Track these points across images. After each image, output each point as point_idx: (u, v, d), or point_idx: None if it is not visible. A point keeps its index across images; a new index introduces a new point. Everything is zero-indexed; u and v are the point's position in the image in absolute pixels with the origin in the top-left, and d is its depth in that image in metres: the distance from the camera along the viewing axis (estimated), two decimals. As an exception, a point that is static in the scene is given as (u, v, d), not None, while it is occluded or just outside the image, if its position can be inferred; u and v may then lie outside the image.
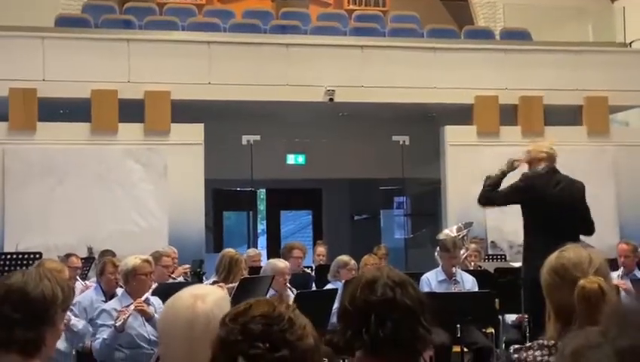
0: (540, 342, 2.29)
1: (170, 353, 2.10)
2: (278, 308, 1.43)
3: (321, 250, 9.78)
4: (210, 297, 2.09)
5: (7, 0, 11.46)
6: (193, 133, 10.72)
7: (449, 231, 8.34)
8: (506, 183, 5.98)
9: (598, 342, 0.92)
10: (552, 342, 2.25)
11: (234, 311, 1.44)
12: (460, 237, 8.10)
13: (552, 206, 5.44)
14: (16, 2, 11.55)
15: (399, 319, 2.27)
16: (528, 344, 2.33)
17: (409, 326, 2.27)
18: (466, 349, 6.57)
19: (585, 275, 2.22)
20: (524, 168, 5.98)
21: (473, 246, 9.25)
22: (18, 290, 2.16)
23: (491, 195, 5.89)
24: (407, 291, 2.32)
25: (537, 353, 2.26)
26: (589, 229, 5.63)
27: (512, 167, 6.00)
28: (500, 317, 6.94)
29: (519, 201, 5.69)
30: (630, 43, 12.47)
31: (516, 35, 12.74)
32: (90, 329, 5.52)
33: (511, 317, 7.23)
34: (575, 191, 5.67)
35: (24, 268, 5.99)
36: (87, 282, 7.57)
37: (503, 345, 6.92)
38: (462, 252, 8.04)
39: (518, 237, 10.86)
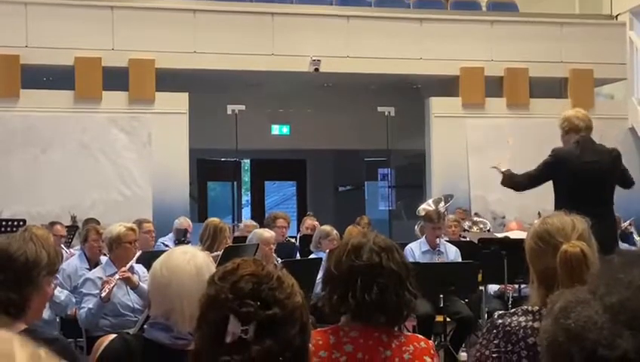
0: (525, 308, 2.32)
1: (179, 304, 2.12)
2: (267, 268, 1.44)
3: (309, 222, 9.72)
4: (198, 252, 2.20)
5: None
6: (178, 102, 10.67)
7: (426, 205, 8.38)
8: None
9: (586, 298, 0.93)
10: (537, 307, 2.27)
11: (222, 270, 1.45)
12: (440, 210, 8.14)
13: (579, 179, 5.39)
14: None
15: (385, 283, 2.28)
16: (513, 310, 2.35)
17: (395, 291, 2.29)
18: (448, 319, 6.62)
19: (567, 240, 2.24)
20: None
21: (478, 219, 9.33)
22: (1, 251, 2.16)
23: (520, 182, 5.76)
24: (393, 256, 2.34)
25: (522, 319, 2.28)
26: (629, 184, 5.72)
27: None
28: (482, 287, 7.00)
29: (550, 177, 5.59)
30: (616, 15, 12.47)
31: (503, 7, 12.71)
32: (73, 299, 5.51)
33: (493, 288, 7.29)
34: (606, 161, 5.58)
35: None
36: (71, 250, 7.57)
37: (486, 315, 6.98)
38: (467, 224, 8.05)
39: (502, 208, 11.04)
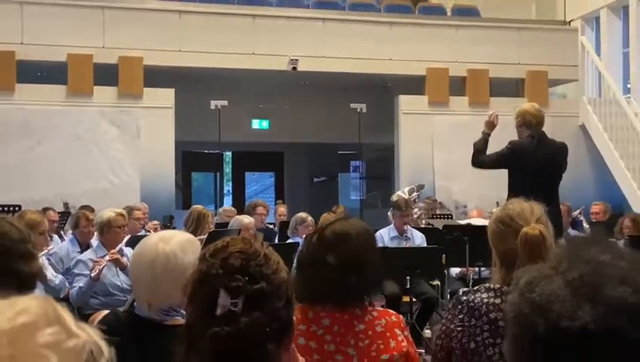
0: (487, 285, 2.34)
1: (137, 288, 2.18)
2: (254, 245, 1.44)
3: (281, 210, 9.78)
4: (174, 239, 2.13)
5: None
6: (164, 97, 10.62)
7: (401, 193, 8.39)
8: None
9: (550, 273, 0.94)
10: (498, 286, 2.30)
11: (213, 247, 1.45)
12: (412, 198, 8.17)
13: (533, 170, 5.43)
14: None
15: (349, 266, 2.26)
16: (476, 287, 2.37)
17: (359, 272, 2.26)
18: (414, 299, 6.66)
19: (527, 223, 2.27)
20: (507, 128, 5.87)
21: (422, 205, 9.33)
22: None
23: (480, 159, 5.73)
24: (351, 243, 2.29)
25: (484, 295, 2.30)
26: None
27: (491, 126, 5.85)
28: (446, 270, 7.04)
29: (506, 166, 5.63)
30: (569, 22, 12.59)
31: (466, 12, 12.78)
32: (67, 284, 5.47)
33: (455, 270, 7.33)
34: (557, 153, 5.64)
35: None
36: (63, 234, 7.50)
37: (448, 296, 7.03)
38: (415, 211, 8.10)
39: (464, 197, 11.11)
